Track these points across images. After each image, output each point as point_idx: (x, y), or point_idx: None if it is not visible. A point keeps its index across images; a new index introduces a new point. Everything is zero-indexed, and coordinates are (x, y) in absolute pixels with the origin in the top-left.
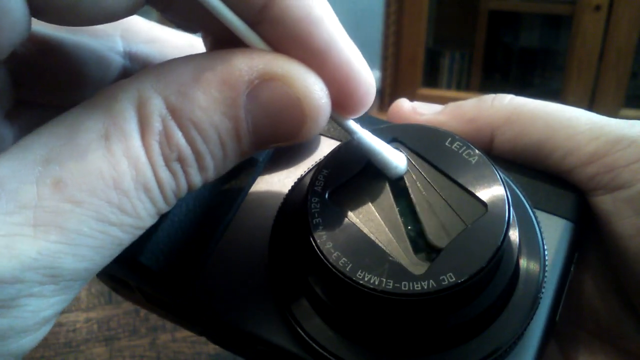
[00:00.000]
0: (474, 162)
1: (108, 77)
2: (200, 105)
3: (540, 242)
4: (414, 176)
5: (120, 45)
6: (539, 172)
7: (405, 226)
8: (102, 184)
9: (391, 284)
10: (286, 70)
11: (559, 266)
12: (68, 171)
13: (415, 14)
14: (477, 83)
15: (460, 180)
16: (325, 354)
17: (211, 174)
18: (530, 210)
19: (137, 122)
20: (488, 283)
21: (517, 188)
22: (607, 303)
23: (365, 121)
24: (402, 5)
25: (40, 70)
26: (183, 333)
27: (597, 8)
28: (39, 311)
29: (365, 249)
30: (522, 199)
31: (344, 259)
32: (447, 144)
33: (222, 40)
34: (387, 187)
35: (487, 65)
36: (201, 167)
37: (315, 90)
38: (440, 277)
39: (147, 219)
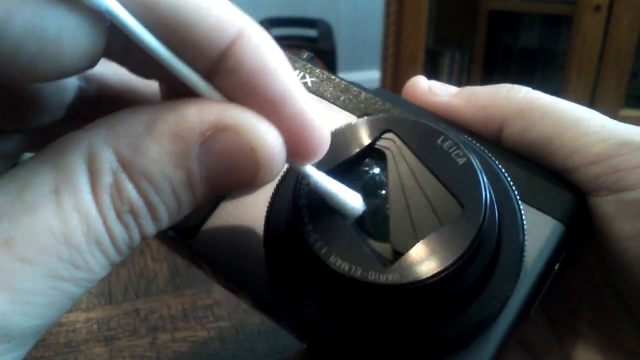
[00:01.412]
0: (461, 163)
1: (65, 100)
2: (152, 157)
3: (522, 239)
4: (400, 169)
5: None
6: (543, 168)
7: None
8: (52, 240)
9: (359, 272)
10: (238, 120)
11: (540, 265)
12: (18, 228)
13: (415, 14)
14: (477, 83)
15: (444, 180)
16: (306, 322)
17: (165, 223)
18: (517, 207)
19: (87, 175)
20: (457, 278)
21: (511, 182)
22: (603, 300)
23: (380, 95)
24: (402, 5)
25: None
26: (183, 333)
27: (597, 8)
28: None
29: (342, 235)
30: (512, 194)
31: (321, 242)
32: (438, 142)
33: (177, 89)
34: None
35: (487, 65)
36: (154, 218)
37: (268, 139)
38: (405, 273)
39: (100, 271)
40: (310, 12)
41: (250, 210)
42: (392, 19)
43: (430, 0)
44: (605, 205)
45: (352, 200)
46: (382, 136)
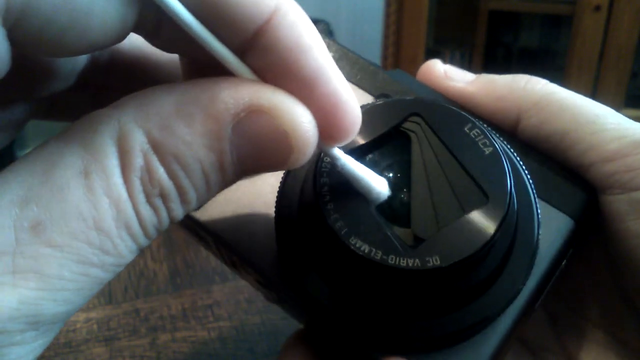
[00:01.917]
0: (487, 152)
1: (77, 67)
2: (184, 139)
3: (536, 233)
4: (425, 154)
5: None
6: (555, 163)
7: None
8: (82, 225)
9: (379, 255)
10: (273, 103)
11: (548, 260)
12: (47, 212)
13: (415, 14)
14: None
15: (469, 168)
16: (311, 299)
17: (194, 206)
18: (534, 201)
19: (117, 157)
20: (475, 267)
21: (529, 176)
22: (608, 298)
23: (397, 77)
24: (402, 5)
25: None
26: (183, 333)
27: (597, 8)
28: (20, 358)
29: (364, 218)
30: (530, 188)
31: (341, 222)
32: (466, 129)
33: (200, 62)
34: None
35: (487, 65)
36: (184, 201)
37: (302, 122)
38: (427, 258)
39: (128, 255)
40: (310, 12)
41: (259, 184)
42: (392, 19)
43: (430, 0)
44: (618, 203)
45: (378, 185)
46: (408, 119)
